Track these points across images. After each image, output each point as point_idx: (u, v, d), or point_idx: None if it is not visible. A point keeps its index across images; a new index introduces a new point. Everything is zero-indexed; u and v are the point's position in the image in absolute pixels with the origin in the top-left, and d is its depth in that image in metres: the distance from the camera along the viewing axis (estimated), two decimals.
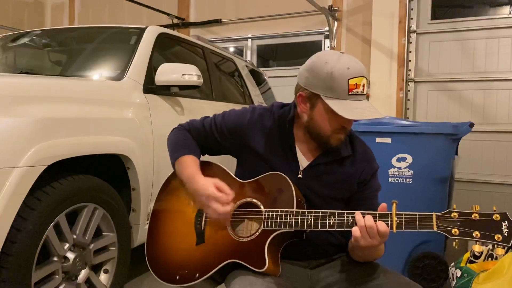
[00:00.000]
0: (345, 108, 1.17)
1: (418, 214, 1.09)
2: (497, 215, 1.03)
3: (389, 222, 1.09)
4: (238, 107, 2.65)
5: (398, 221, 1.09)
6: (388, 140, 2.47)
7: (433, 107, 4.56)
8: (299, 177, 1.30)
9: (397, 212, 1.10)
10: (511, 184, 4.20)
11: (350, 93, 1.18)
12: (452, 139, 2.42)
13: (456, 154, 2.64)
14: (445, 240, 2.64)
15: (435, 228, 1.06)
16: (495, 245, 1.03)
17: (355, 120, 1.24)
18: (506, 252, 1.96)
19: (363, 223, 1.09)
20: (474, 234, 1.04)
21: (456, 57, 4.44)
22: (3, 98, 1.50)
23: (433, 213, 1.08)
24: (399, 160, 2.46)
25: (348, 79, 1.18)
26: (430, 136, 2.41)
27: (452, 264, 2.16)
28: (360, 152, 1.35)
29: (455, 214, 1.06)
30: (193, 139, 1.42)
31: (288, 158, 1.32)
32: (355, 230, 1.10)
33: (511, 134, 4.22)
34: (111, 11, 6.42)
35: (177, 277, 1.27)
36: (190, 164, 1.33)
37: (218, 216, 1.22)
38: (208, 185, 1.24)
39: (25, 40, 2.89)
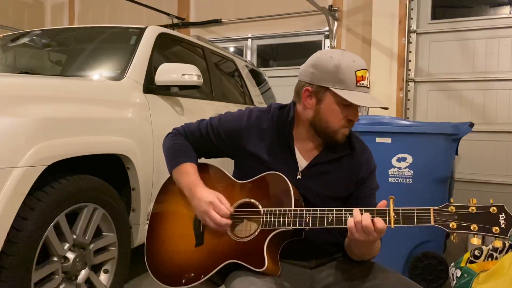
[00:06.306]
0: (356, 97, 1.20)
1: (416, 209, 1.08)
2: (494, 208, 1.04)
3: (387, 218, 1.09)
4: (238, 107, 2.64)
5: (395, 216, 1.09)
6: (388, 140, 2.47)
7: (433, 107, 4.56)
8: (298, 178, 1.30)
9: (395, 208, 1.10)
10: (511, 184, 4.20)
11: (358, 84, 1.21)
12: (452, 139, 2.42)
13: (456, 154, 2.63)
14: (445, 240, 2.64)
15: (432, 223, 1.06)
16: (493, 238, 1.03)
17: (357, 121, 1.24)
18: (506, 251, 1.96)
19: (359, 219, 1.09)
20: (471, 227, 1.04)
21: (456, 57, 4.44)
22: (3, 98, 1.50)
23: (431, 207, 1.08)
24: (399, 160, 2.46)
25: (355, 71, 1.21)
26: (430, 136, 2.41)
27: (452, 264, 2.16)
28: (358, 150, 1.35)
29: (453, 208, 1.06)
30: (190, 144, 1.41)
31: (287, 159, 1.31)
32: (350, 221, 1.10)
33: (511, 134, 4.22)
34: (111, 11, 6.42)
35: (177, 279, 1.27)
36: (189, 172, 1.33)
37: (215, 227, 1.23)
38: (209, 195, 1.25)
39: (25, 40, 2.89)
